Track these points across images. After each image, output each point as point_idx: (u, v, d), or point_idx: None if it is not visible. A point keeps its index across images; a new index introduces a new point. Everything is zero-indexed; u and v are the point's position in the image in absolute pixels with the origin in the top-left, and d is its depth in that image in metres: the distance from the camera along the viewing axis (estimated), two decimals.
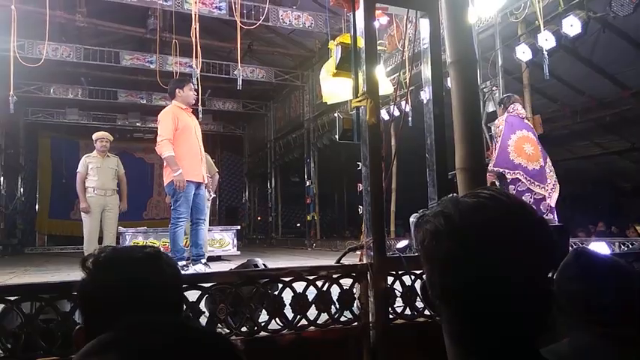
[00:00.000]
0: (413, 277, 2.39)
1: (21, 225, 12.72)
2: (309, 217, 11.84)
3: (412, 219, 5.71)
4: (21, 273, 5.80)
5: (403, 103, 5.78)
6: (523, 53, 6.17)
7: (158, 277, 0.90)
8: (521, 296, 0.65)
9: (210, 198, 6.55)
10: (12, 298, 1.78)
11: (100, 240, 6.17)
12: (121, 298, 0.85)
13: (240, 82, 8.19)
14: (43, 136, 14.06)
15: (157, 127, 4.96)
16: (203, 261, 4.84)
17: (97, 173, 6.12)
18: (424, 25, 2.68)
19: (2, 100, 10.11)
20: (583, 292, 1.12)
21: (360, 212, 2.53)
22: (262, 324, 2.10)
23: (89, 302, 0.89)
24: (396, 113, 6.07)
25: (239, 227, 8.92)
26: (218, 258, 7.31)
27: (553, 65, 6.28)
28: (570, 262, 1.18)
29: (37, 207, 13.91)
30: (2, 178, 11.21)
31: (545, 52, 5.87)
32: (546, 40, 5.77)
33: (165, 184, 4.87)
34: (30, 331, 1.76)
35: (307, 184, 11.96)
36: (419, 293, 2.21)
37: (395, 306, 2.38)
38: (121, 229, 7.04)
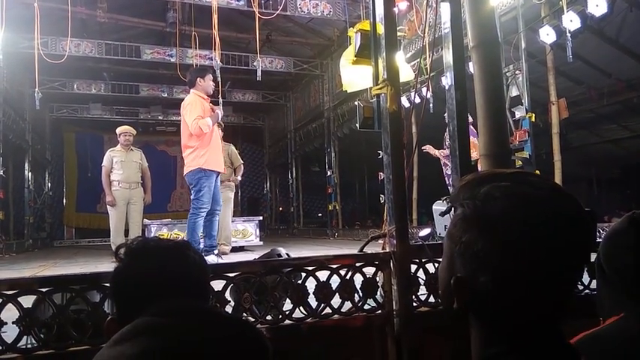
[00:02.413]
0: (436, 264, 2.38)
1: (49, 219, 13.04)
2: (330, 207, 11.84)
3: (435, 207, 5.67)
4: (51, 265, 5.95)
5: (424, 89, 5.71)
6: (547, 35, 6.02)
7: (186, 265, 0.92)
8: (547, 283, 0.64)
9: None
10: (44, 290, 1.83)
11: (126, 232, 6.29)
12: (151, 286, 0.88)
13: (259, 72, 8.20)
14: (68, 131, 14.34)
15: (178, 120, 5.04)
16: (215, 252, 4.87)
17: (122, 167, 6.22)
18: (445, 9, 2.63)
19: (28, 97, 10.36)
20: (639, 264, 0.99)
21: (382, 201, 2.51)
22: (287, 312, 2.12)
23: (121, 289, 0.92)
24: (417, 100, 6.00)
25: (261, 218, 8.98)
26: (241, 248, 7.38)
27: (578, 47, 6.12)
28: (624, 230, 1.04)
29: (64, 201, 14.24)
30: (30, 174, 11.47)
31: (569, 34, 5.72)
32: (571, 21, 5.62)
33: (185, 174, 4.90)
34: (62, 321, 1.80)
35: (328, 173, 11.96)
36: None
37: (419, 294, 2.37)
38: (146, 221, 7.16)
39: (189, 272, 0.93)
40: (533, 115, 6.49)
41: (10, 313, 1.79)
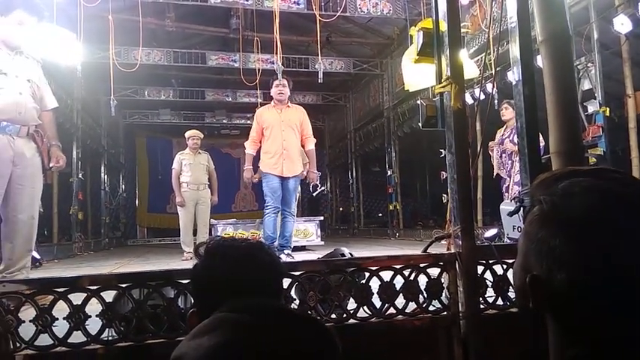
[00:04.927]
0: (505, 266, 2.31)
1: (123, 219, 13.79)
2: (391, 207, 11.74)
3: (503, 206, 5.47)
4: (126, 263, 6.29)
5: (489, 85, 5.54)
6: (622, 25, 5.66)
7: (256, 266, 0.96)
8: (628, 284, 0.60)
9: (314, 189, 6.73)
10: (123, 285, 1.95)
11: (195, 232, 6.54)
12: (225, 283, 0.93)
13: (321, 75, 8.26)
14: (139, 136, 15.12)
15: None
16: (286, 252, 5.04)
17: (190, 169, 6.49)
18: (511, 2, 2.55)
19: (103, 104, 11.01)
20: None
21: (445, 201, 2.47)
22: (351, 311, 2.13)
23: (199, 285, 0.98)
24: (482, 97, 5.83)
25: (322, 218, 9.04)
26: (303, 248, 7.47)
27: None
28: None
29: (136, 202, 15.02)
30: (106, 176, 12.18)
31: None
32: None
33: None
34: (140, 315, 1.92)
35: (388, 173, 11.86)
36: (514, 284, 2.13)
37: (486, 296, 2.31)
38: (212, 221, 7.42)
39: (259, 272, 0.97)
40: (608, 109, 6.13)
41: (92, 307, 1.92)
